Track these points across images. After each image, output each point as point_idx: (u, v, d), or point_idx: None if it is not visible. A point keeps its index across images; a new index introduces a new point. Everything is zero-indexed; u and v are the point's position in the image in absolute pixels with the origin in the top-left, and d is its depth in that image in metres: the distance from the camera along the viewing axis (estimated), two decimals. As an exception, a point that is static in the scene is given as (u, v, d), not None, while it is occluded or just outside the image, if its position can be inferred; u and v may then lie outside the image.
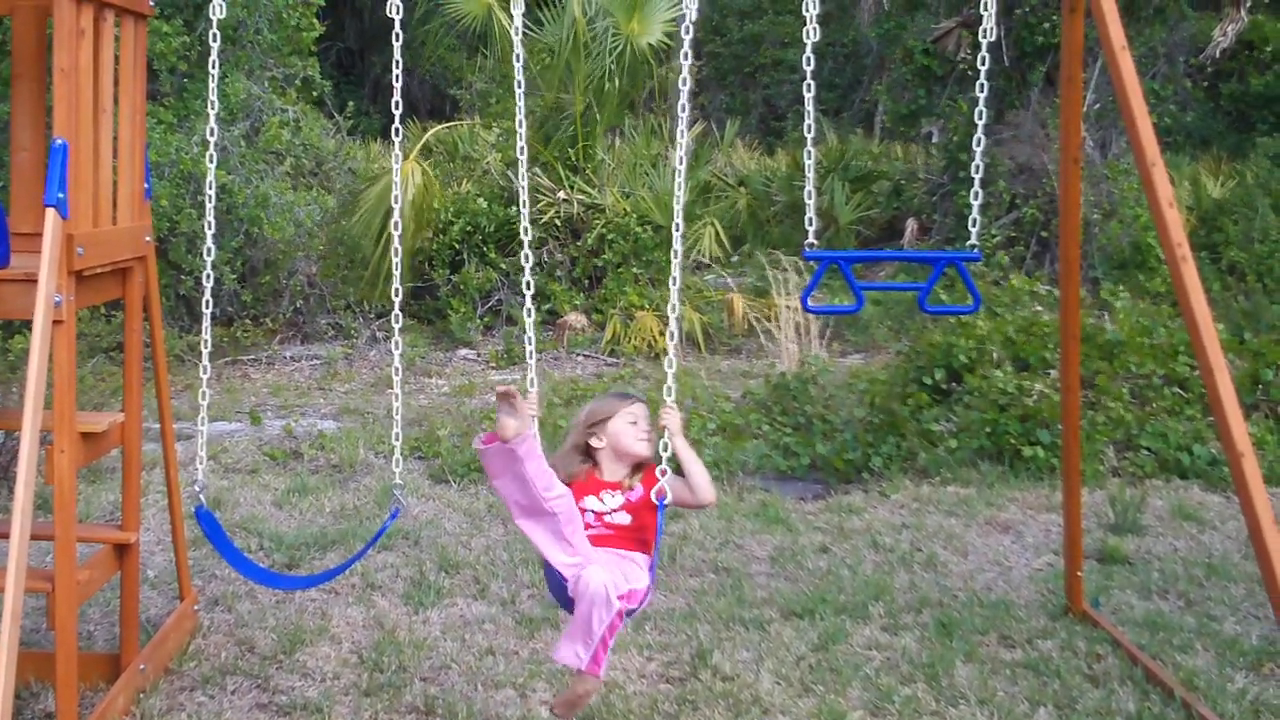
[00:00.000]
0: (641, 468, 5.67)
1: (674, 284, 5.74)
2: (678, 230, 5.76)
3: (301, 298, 16.88)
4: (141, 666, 6.41)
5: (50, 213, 5.40)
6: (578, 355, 16.30)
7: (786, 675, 6.67)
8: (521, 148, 6.44)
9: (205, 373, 6.49)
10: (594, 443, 5.72)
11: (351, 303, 16.96)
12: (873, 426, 11.24)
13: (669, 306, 5.85)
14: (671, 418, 5.55)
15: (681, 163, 5.82)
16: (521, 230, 6.35)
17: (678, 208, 5.76)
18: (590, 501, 5.59)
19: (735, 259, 18.81)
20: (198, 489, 6.40)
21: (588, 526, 5.50)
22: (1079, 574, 7.44)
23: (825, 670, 6.74)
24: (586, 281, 17.69)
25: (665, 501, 5.49)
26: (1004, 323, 11.83)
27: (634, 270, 17.32)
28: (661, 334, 16.37)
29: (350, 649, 7.09)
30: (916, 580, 8.19)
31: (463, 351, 16.73)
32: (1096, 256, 18.10)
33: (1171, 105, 21.23)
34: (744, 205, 20.91)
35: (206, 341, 6.48)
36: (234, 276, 15.70)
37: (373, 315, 16.90)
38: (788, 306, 15.79)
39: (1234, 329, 12.22)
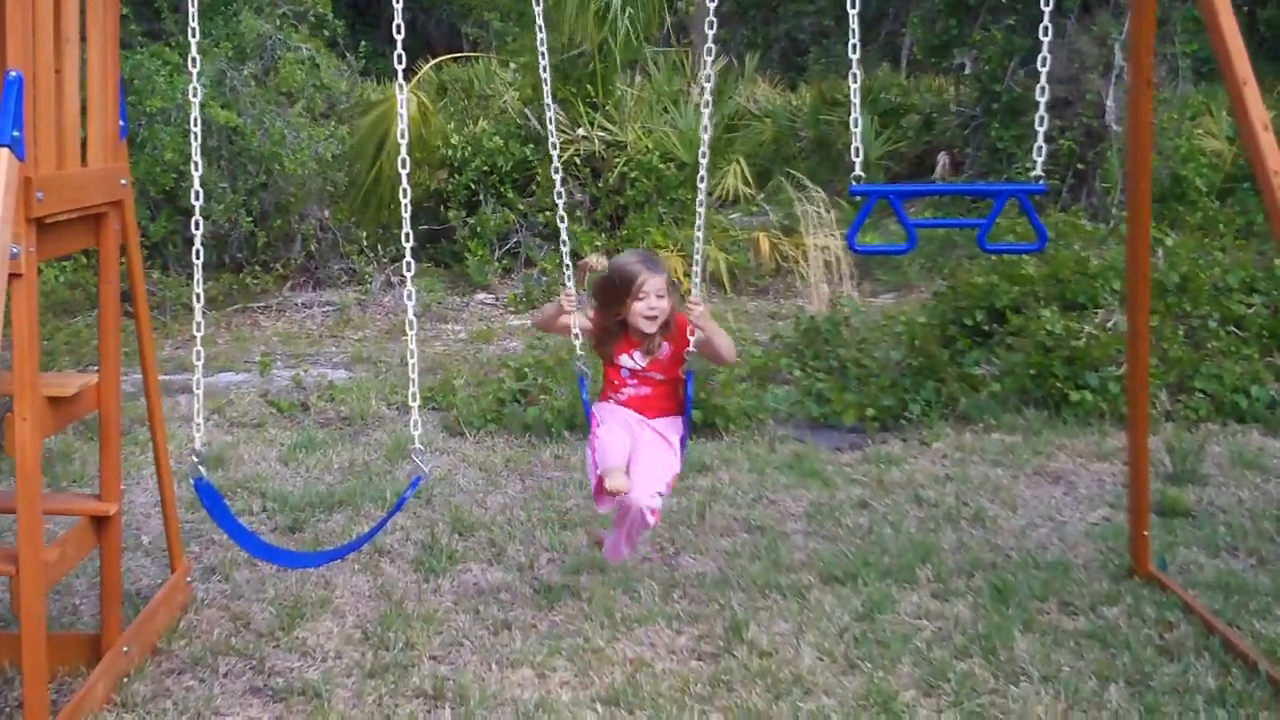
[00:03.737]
0: (667, 328, 6.19)
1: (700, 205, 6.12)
2: (703, 159, 6.07)
3: (314, 241, 16.31)
4: (125, 648, 5.86)
5: (3, 153, 4.82)
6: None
7: (829, 649, 6.09)
8: (545, 74, 6.71)
9: (199, 330, 5.94)
10: (627, 316, 6.19)
11: (365, 247, 16.35)
12: (910, 370, 10.63)
13: (697, 208, 6.17)
14: (698, 312, 6.03)
15: (709, 87, 6.42)
16: (553, 167, 6.80)
17: (705, 137, 6.12)
18: (625, 359, 6.25)
19: (761, 196, 18.16)
20: (196, 459, 5.81)
21: (625, 383, 6.27)
22: (1145, 533, 6.85)
23: (871, 643, 6.16)
24: (608, 222, 17.06)
25: (692, 372, 6.18)
26: (1052, 260, 11.18)
27: (658, 209, 16.70)
28: (687, 274, 15.76)
29: (354, 623, 6.55)
30: (965, 539, 7.61)
31: (480, 295, 16.18)
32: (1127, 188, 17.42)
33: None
34: (769, 138, 20.23)
35: (199, 296, 5.91)
36: (250, 219, 15.13)
37: (387, 260, 16.31)
38: (816, 245, 15.21)
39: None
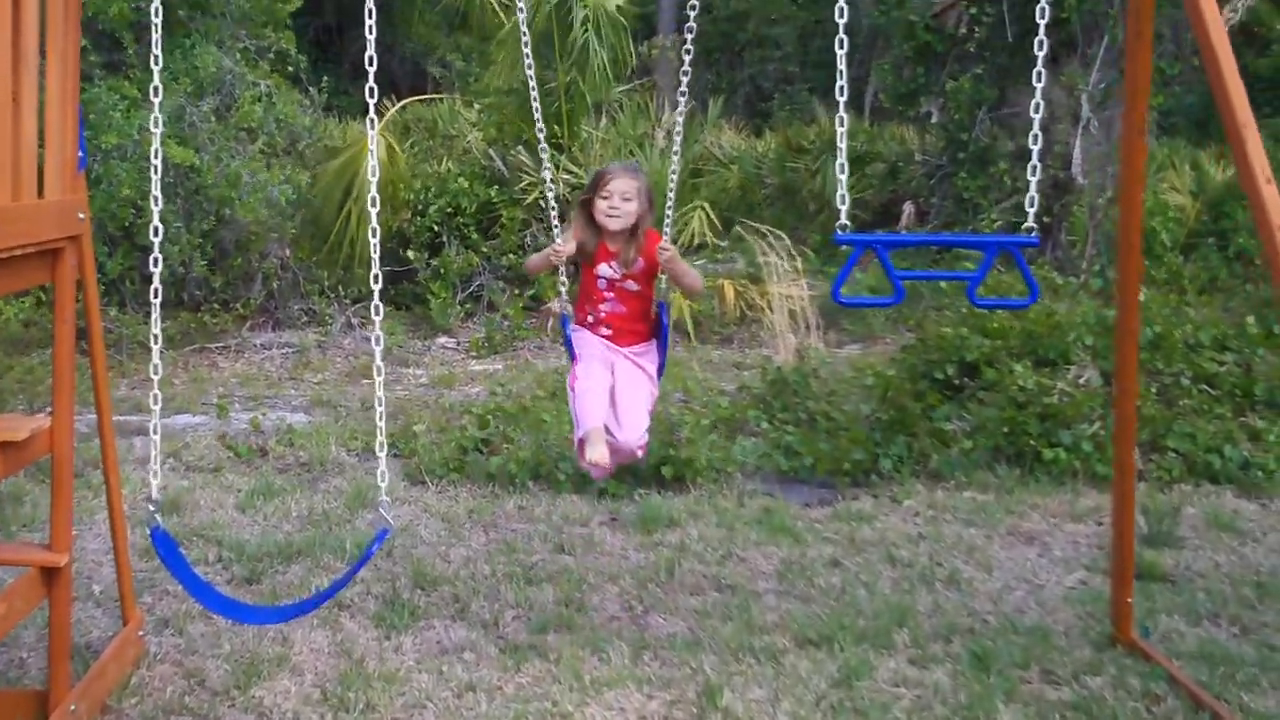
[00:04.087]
0: (637, 238, 6.44)
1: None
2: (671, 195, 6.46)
3: (275, 281, 16.04)
4: (72, 707, 5.61)
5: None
6: (561, 341, 15.49)
7: (806, 718, 5.89)
8: (532, 91, 7.14)
9: (156, 373, 5.73)
10: (593, 211, 6.46)
11: (326, 287, 16.13)
12: (880, 424, 10.46)
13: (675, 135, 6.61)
14: (669, 255, 6.36)
15: (678, 134, 6.60)
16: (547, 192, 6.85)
17: (673, 179, 6.61)
18: (603, 269, 6.50)
19: (725, 243, 17.99)
20: (151, 507, 5.57)
21: (602, 296, 6.53)
22: (1129, 600, 6.67)
23: (849, 712, 5.96)
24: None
25: (665, 303, 6.59)
26: (1023, 314, 11.03)
27: (623, 254, 16.49)
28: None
29: (313, 682, 6.31)
30: (940, 601, 7.42)
31: (442, 339, 15.94)
32: (1103, 243, 17.35)
33: (1176, 87, 20.44)
34: (734, 184, 20.09)
35: (156, 337, 5.69)
36: (203, 262, 14.85)
37: (348, 301, 16.09)
38: (781, 294, 15.05)
39: (1261, 321, 11.44)
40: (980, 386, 10.65)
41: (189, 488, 9.64)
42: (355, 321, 15.88)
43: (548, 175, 6.76)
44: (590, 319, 6.60)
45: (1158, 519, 8.68)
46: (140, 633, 6.58)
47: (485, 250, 16.63)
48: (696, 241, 17.50)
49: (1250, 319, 11.36)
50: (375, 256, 5.72)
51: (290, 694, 6.16)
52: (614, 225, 6.40)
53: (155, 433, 5.64)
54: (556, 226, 6.78)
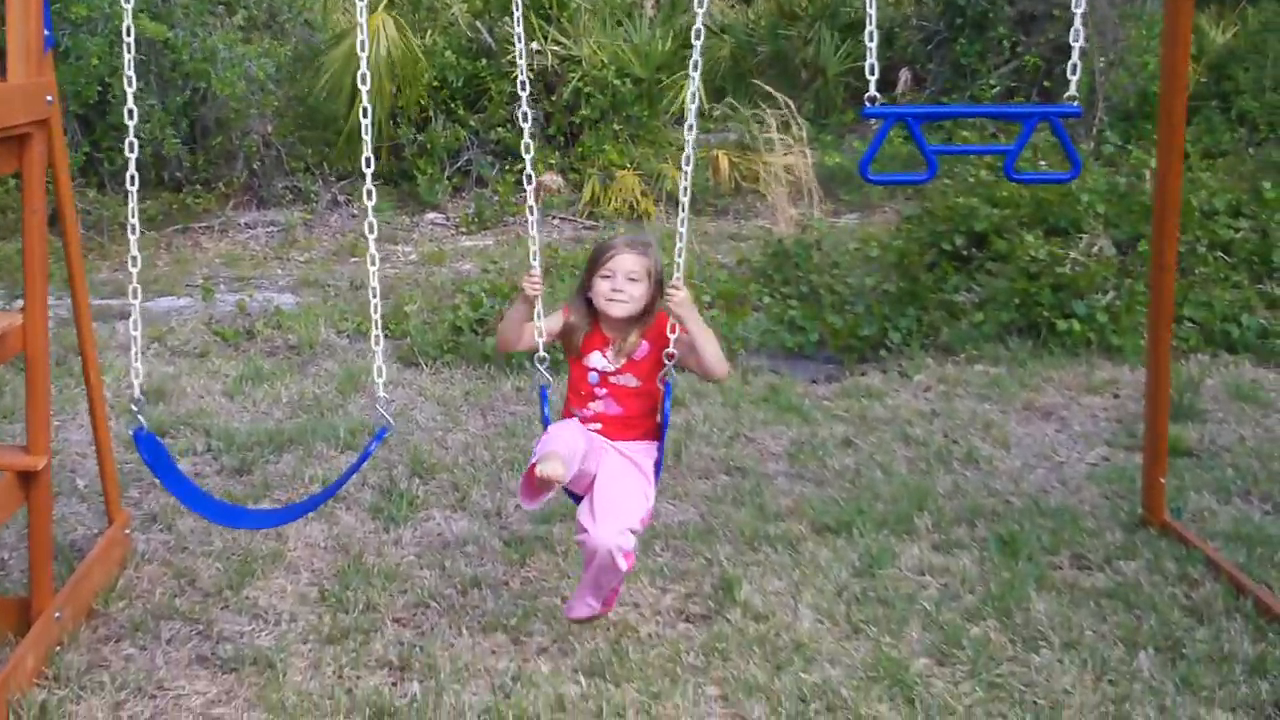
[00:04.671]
0: (643, 323, 5.24)
1: (689, 131, 5.13)
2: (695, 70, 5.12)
3: (257, 159, 15.58)
4: (57, 614, 5.30)
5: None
6: (554, 218, 15.13)
7: (829, 611, 5.60)
8: None
9: (135, 265, 5.30)
10: (590, 294, 5.28)
11: (311, 164, 15.68)
12: (888, 297, 10.12)
13: (683, 158, 5.10)
14: (678, 300, 5.04)
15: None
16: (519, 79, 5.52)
17: (697, 43, 5.03)
18: (595, 359, 5.26)
19: (718, 113, 17.53)
20: (134, 408, 5.20)
21: (592, 393, 5.26)
22: (1162, 480, 6.37)
23: (874, 603, 5.67)
24: (562, 139, 16.45)
25: (670, 382, 5.18)
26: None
27: (613, 126, 16.07)
28: (644, 194, 15.23)
29: (309, 580, 6.01)
30: (960, 482, 7.13)
31: (430, 215, 15.56)
32: (1102, 107, 16.92)
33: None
34: (726, 54, 19.57)
35: (134, 227, 5.29)
36: (176, 140, 14.34)
37: (334, 177, 15.66)
38: (780, 165, 14.67)
39: (1277, 186, 11.05)
40: (989, 257, 10.32)
41: (174, 374, 9.31)
42: (342, 198, 15.48)
43: (527, 47, 6.09)
44: (576, 419, 5.29)
45: (1179, 392, 8.39)
46: (126, 531, 6.27)
47: (473, 124, 16.17)
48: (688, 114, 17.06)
49: (1266, 184, 10.98)
50: (367, 139, 5.29)
51: (286, 593, 5.87)
52: (616, 312, 5.16)
53: (136, 328, 5.24)
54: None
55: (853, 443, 7.80)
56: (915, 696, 4.91)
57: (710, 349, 5.14)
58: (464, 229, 15.08)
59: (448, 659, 5.21)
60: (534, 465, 4.86)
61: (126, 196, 13.76)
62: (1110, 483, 7.05)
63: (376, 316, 5.26)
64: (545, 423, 5.27)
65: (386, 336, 10.23)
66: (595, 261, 5.23)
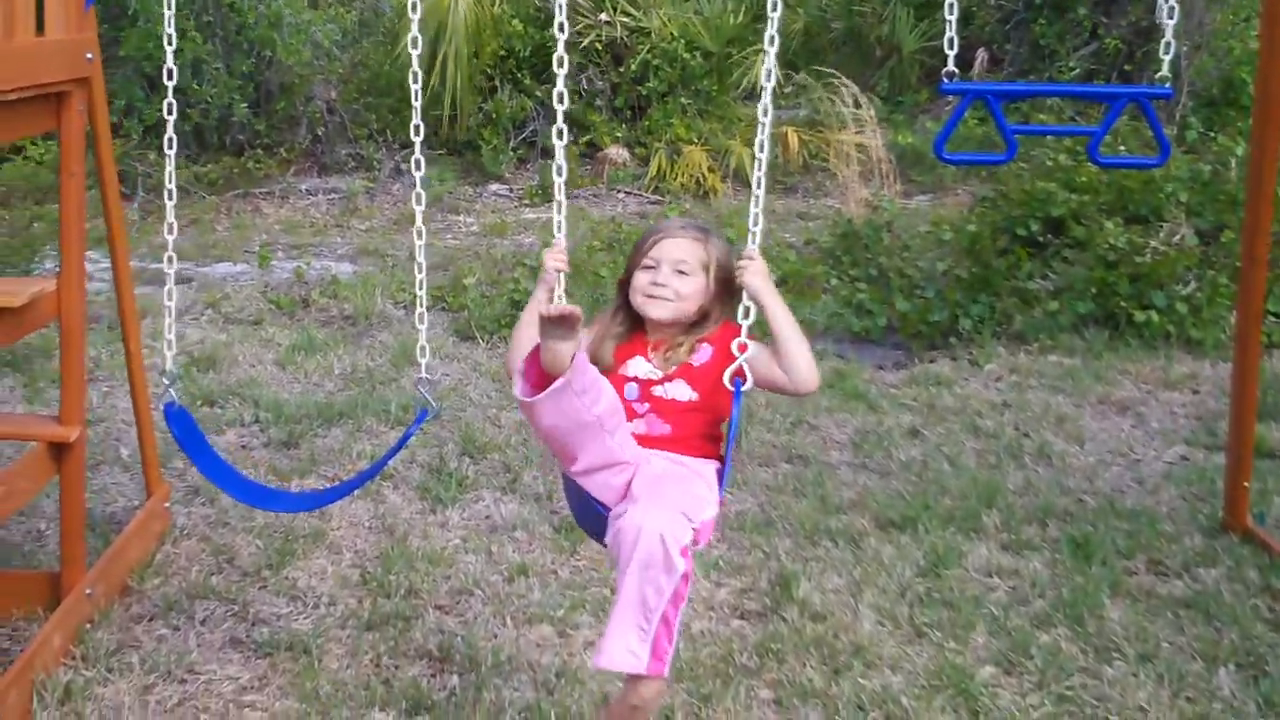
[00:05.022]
0: (702, 326, 3.94)
1: (764, 113, 4.01)
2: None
3: (320, 125, 15.39)
4: (88, 590, 5.11)
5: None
6: (618, 192, 14.89)
7: (891, 612, 5.33)
8: None
9: (171, 232, 4.96)
10: (629, 292, 3.99)
11: (374, 131, 15.47)
12: (960, 283, 9.82)
13: (758, 129, 4.01)
14: (754, 270, 3.83)
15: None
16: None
17: (774, 15, 4.12)
18: (636, 365, 3.92)
19: (789, 89, 17.22)
20: (166, 380, 4.95)
21: (631, 410, 3.82)
22: (1245, 484, 6.05)
23: (939, 605, 5.40)
24: (629, 112, 16.17)
25: (744, 386, 3.79)
26: (1111, 168, 10.31)
27: (681, 100, 15.77)
28: (711, 170, 14.94)
29: (352, 561, 5.81)
30: (1031, 478, 6.84)
31: (494, 186, 15.32)
32: (1186, 93, 16.51)
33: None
34: (799, 29, 19.26)
35: (171, 192, 4.94)
36: (244, 105, 14.21)
37: (397, 145, 15.43)
38: (851, 144, 14.35)
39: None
40: (1066, 244, 9.98)
41: (226, 341, 9.14)
42: (405, 167, 15.24)
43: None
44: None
45: (1264, 390, 8.04)
46: (166, 504, 6.07)
47: (539, 95, 15.92)
48: (759, 88, 16.77)
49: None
50: (416, 105, 4.86)
51: (327, 575, 5.66)
52: (655, 312, 3.92)
53: (170, 299, 4.95)
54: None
55: (920, 433, 7.53)
56: (980, 708, 4.64)
57: (795, 344, 3.83)
58: (527, 201, 14.85)
59: (490, 651, 4.99)
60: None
61: (189, 159, 13.67)
62: (1189, 484, 6.74)
63: (421, 293, 4.98)
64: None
65: (443, 309, 10.05)
66: (638, 249, 4.03)
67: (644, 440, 3.80)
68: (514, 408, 7.81)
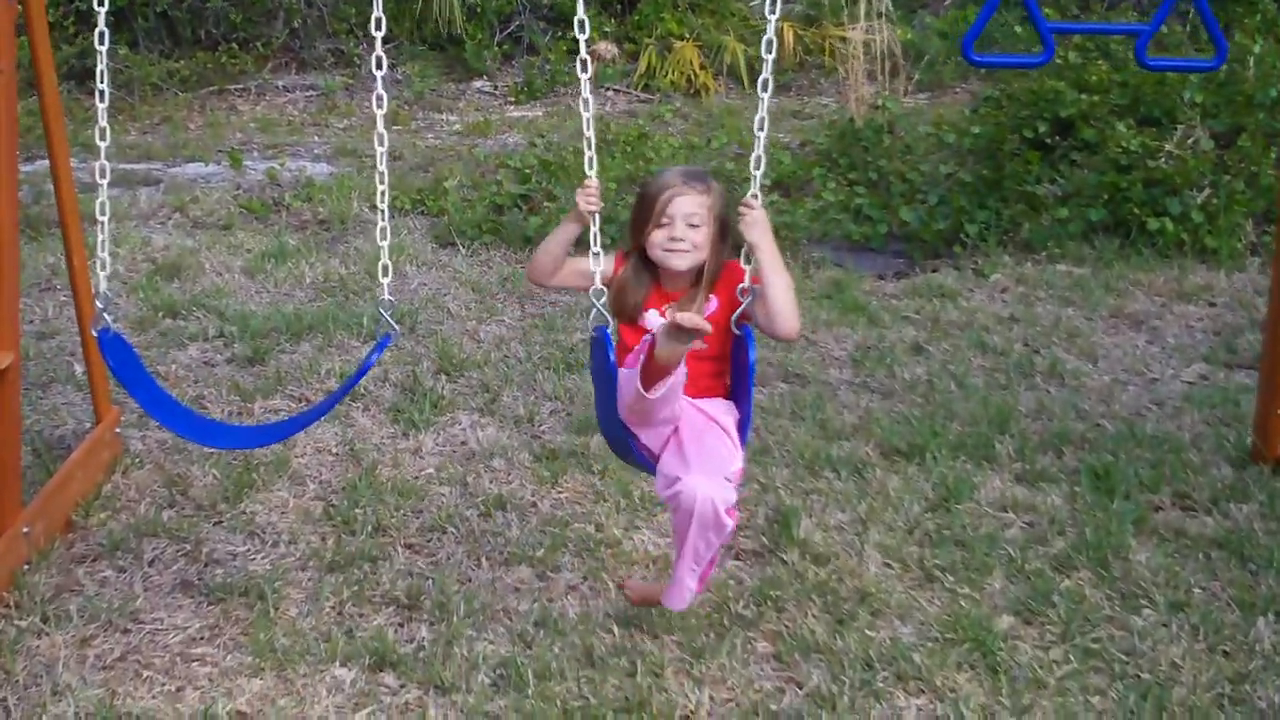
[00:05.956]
0: (710, 274, 4.20)
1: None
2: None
3: (298, 18, 14.79)
4: (25, 529, 4.68)
5: None
6: (607, 89, 14.36)
7: (899, 552, 4.91)
8: None
9: (103, 138, 4.51)
10: (646, 247, 4.21)
11: (354, 25, 14.89)
12: (965, 188, 9.34)
13: (763, 42, 4.00)
14: (755, 221, 4.05)
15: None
16: None
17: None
18: (652, 319, 4.19)
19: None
20: (100, 304, 4.50)
21: None
22: (1279, 413, 5.62)
23: (950, 545, 4.98)
24: (618, 6, 15.61)
25: (753, 330, 4.19)
26: (1122, 67, 9.81)
27: (674, -7, 15.26)
28: (703, 68, 14.42)
29: (315, 493, 5.39)
30: (1044, 400, 6.40)
31: (477, 83, 14.81)
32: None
33: None
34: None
35: (103, 93, 4.49)
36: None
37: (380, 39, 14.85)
38: (858, 39, 13.79)
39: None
40: (1075, 146, 9.51)
41: (194, 248, 8.69)
42: (387, 62, 14.69)
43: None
44: None
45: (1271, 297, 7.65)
46: (117, 429, 5.63)
47: (526, -13, 15.38)
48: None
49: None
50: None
51: (288, 509, 5.24)
52: (678, 264, 4.17)
53: (103, 214, 4.50)
54: None
55: (924, 349, 7.10)
56: (998, 664, 4.23)
57: (782, 294, 4.08)
58: (512, 99, 14.36)
59: (462, 597, 4.57)
60: (653, 341, 3.92)
61: (161, 54, 13.11)
62: (1212, 407, 6.31)
63: (383, 206, 4.52)
64: (611, 369, 4.02)
65: (422, 213, 9.59)
66: (647, 207, 4.19)
67: None
68: (494, 320, 7.43)
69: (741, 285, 4.08)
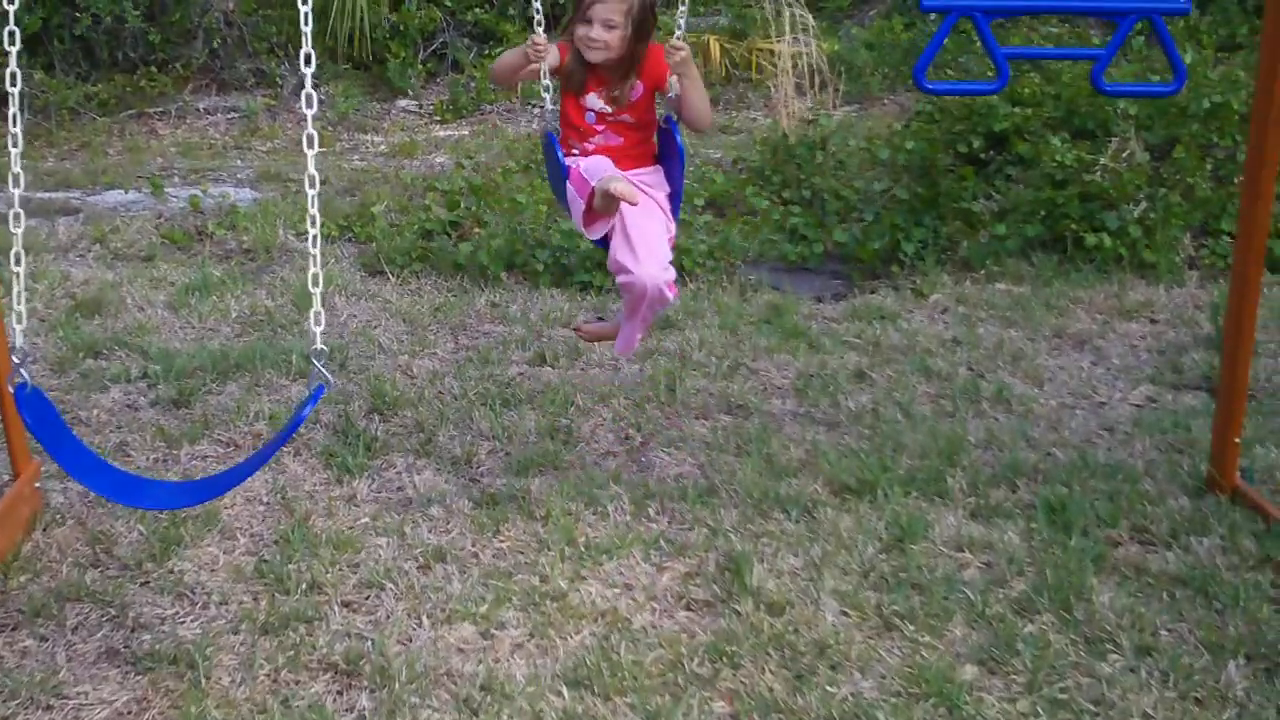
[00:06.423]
0: (633, 64, 5.15)
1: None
2: None
3: (218, 38, 14.49)
4: (-63, 598, 4.46)
5: None
6: (534, 106, 14.15)
7: (856, 599, 4.74)
8: None
9: (17, 185, 4.29)
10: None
11: (275, 45, 14.61)
12: (900, 204, 9.22)
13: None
14: (679, 56, 5.07)
15: None
16: None
17: None
18: (591, 99, 5.23)
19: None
20: (16, 359, 4.28)
21: (591, 129, 5.26)
22: (1237, 441, 5.49)
23: (907, 588, 4.81)
24: (546, 21, 15.38)
25: (674, 118, 5.23)
26: (1055, 79, 9.71)
27: (598, 8, 15.02)
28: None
29: (247, 548, 5.17)
30: (993, 428, 6.27)
31: (402, 102, 14.56)
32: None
33: None
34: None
35: (15, 138, 4.29)
36: (137, 13, 13.40)
37: (300, 60, 14.60)
38: (788, 53, 13.65)
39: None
40: (1009, 161, 9.42)
41: (115, 281, 8.44)
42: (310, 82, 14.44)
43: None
44: (575, 154, 5.27)
45: (1213, 314, 7.57)
46: (37, 484, 5.39)
47: (449, 4, 15.13)
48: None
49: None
50: (305, 8, 4.32)
51: (218, 566, 5.02)
52: (592, 59, 5.10)
53: (18, 263, 4.28)
54: None
55: (867, 375, 6.95)
56: (965, 719, 4.08)
57: (701, 104, 5.20)
58: (438, 117, 14.12)
59: (402, 662, 4.36)
60: (593, 191, 4.95)
61: (79, 77, 12.81)
62: (1163, 432, 6.19)
63: (315, 252, 4.33)
64: (561, 165, 5.18)
65: (350, 240, 9.39)
66: (577, 4, 5.11)
67: (605, 149, 5.21)
68: (428, 354, 7.28)
69: (666, 92, 5.12)
